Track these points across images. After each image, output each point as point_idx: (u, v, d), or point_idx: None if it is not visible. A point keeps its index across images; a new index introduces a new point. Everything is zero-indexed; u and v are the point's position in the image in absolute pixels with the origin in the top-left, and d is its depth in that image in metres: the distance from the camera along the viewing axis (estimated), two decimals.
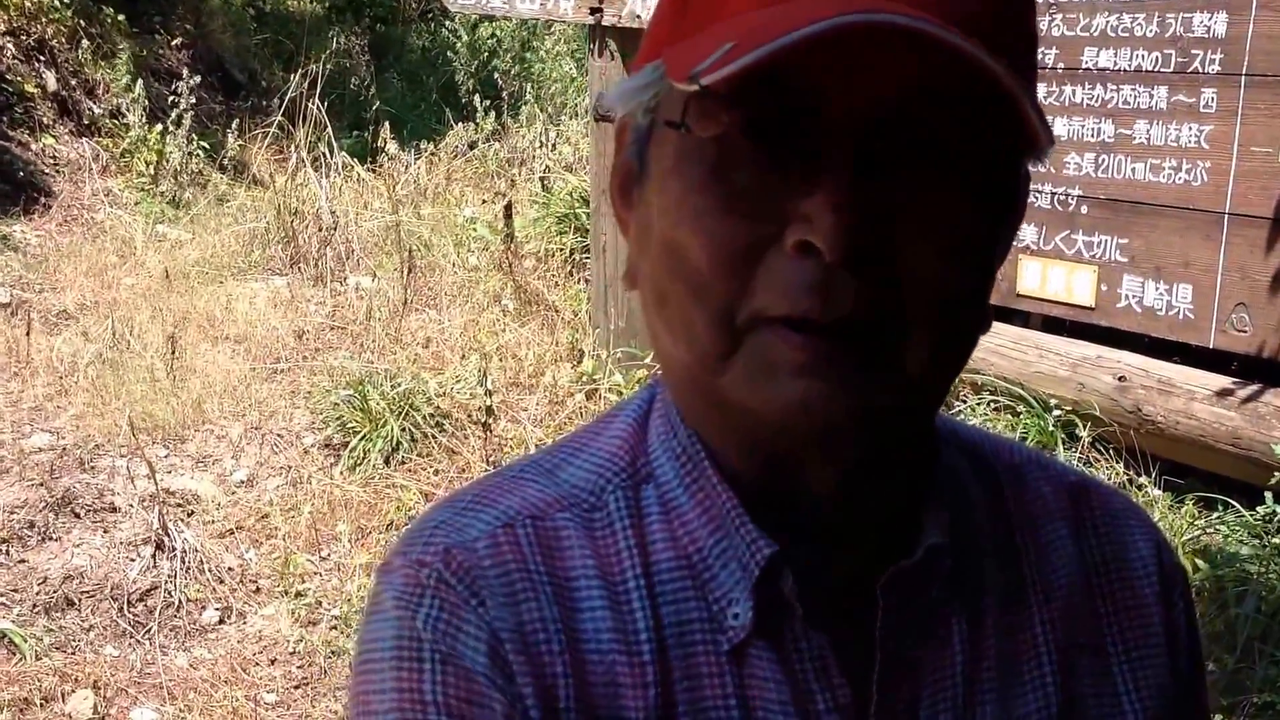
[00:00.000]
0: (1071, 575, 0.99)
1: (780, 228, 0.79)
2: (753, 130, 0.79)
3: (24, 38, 10.11)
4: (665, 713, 0.87)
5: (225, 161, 10.11)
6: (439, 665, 0.86)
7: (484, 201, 8.51)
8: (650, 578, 0.89)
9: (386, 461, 5.58)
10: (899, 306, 0.80)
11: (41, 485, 5.37)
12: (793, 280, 0.78)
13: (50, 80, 10.04)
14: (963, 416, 5.01)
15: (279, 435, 5.89)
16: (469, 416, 5.79)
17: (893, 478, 0.90)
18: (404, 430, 5.66)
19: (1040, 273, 5.15)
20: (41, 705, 4.20)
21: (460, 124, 10.40)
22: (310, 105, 8.99)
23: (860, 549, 0.90)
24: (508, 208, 7.07)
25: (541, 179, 8.52)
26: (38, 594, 4.74)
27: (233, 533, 5.20)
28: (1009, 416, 5.17)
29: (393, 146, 9.31)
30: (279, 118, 9.56)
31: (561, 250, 7.39)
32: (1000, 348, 5.22)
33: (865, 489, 0.88)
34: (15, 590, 4.75)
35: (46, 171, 9.51)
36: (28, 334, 6.57)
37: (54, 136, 9.78)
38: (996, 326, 5.32)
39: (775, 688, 0.88)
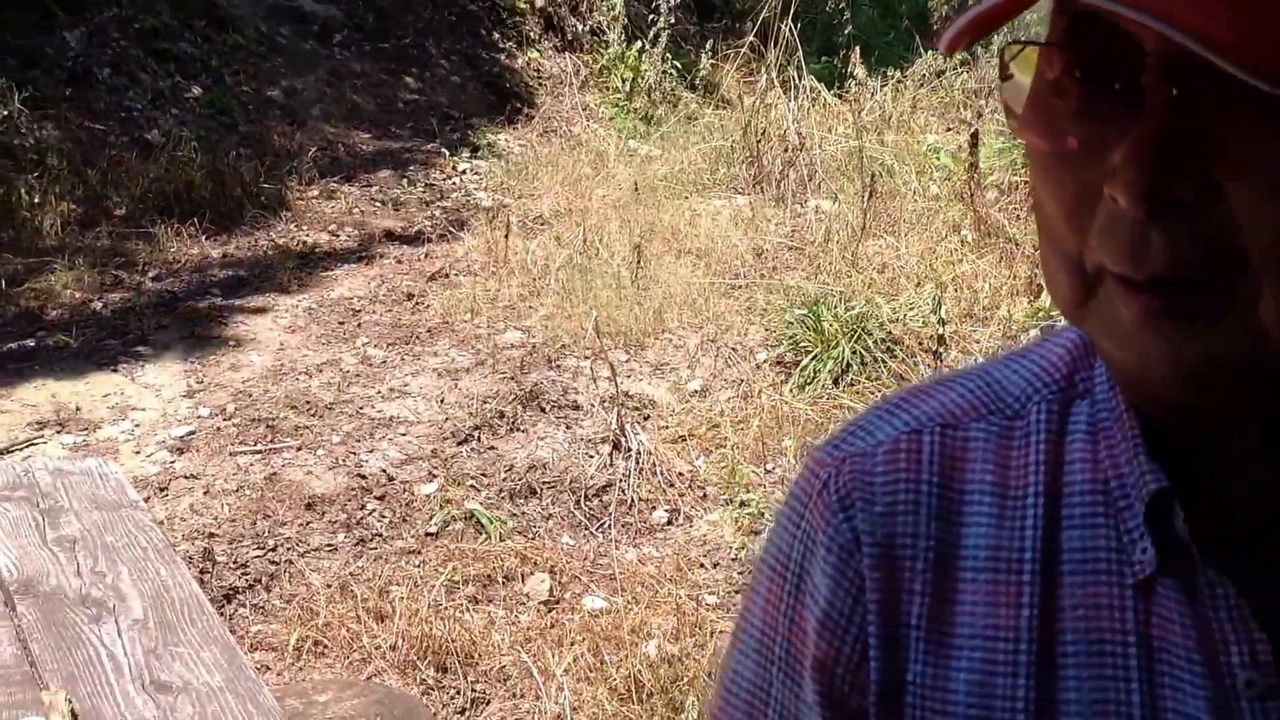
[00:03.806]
0: None
1: (1104, 177, 0.73)
2: (1078, 72, 0.75)
3: None
4: (1044, 635, 0.85)
5: (696, 81, 10.34)
6: (794, 588, 0.91)
7: (949, 130, 8.41)
8: (1057, 498, 0.87)
9: (835, 382, 5.64)
10: (1233, 257, 0.72)
11: (512, 379, 5.71)
12: (1109, 236, 0.74)
13: None
14: None
15: (733, 349, 6.04)
16: (919, 344, 5.78)
17: None
18: (855, 353, 5.70)
19: None
20: (503, 583, 4.49)
21: (929, 52, 10.27)
22: (782, 28, 9.08)
23: None
24: (974, 136, 6.97)
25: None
26: (504, 480, 5.05)
27: (684, 439, 5.38)
28: None
29: (860, 72, 9.30)
30: (751, 39, 9.71)
31: (1026, 183, 7.22)
32: None
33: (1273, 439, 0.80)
34: (484, 475, 5.08)
35: (530, 84, 10.01)
36: (506, 237, 6.96)
37: (539, 51, 10.27)
38: None
39: (1181, 631, 0.83)
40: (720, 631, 4.28)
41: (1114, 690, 0.84)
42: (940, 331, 5.56)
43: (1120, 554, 0.85)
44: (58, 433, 5.46)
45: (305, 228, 7.77)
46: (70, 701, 1.77)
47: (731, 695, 0.96)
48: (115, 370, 6.02)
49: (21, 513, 2.40)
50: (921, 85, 9.88)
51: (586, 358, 5.86)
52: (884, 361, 5.69)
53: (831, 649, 0.89)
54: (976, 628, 0.86)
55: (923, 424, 0.91)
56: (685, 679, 3.98)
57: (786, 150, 8.01)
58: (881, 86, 9.55)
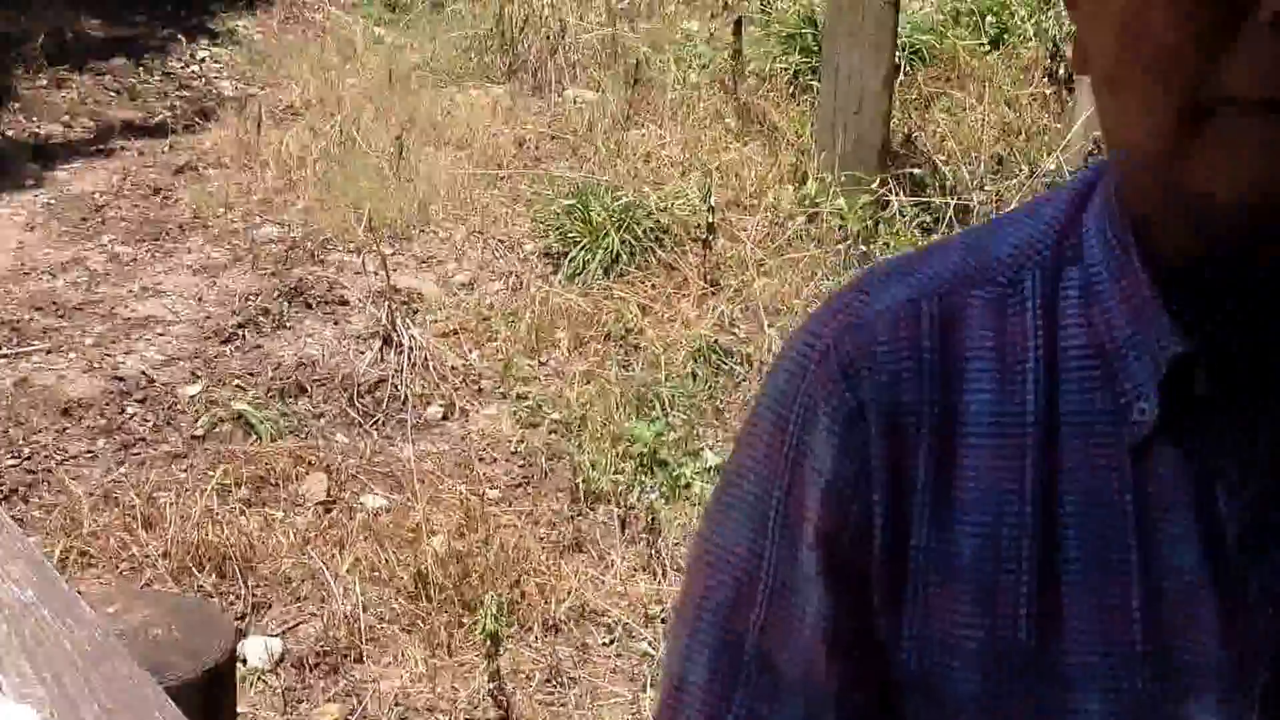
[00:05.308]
0: None
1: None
2: None
3: None
4: (1047, 496, 0.85)
5: None
6: (791, 460, 0.89)
7: (713, 16, 8.36)
8: (1054, 363, 0.86)
9: (606, 273, 5.59)
10: None
11: (274, 275, 5.51)
12: (1268, 59, 0.69)
13: None
14: None
15: (500, 240, 5.94)
16: (688, 233, 5.77)
17: None
18: (624, 243, 5.66)
19: None
20: (278, 485, 4.35)
21: None
22: None
23: None
24: (738, 24, 6.95)
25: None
26: (272, 379, 4.88)
27: (456, 333, 5.28)
28: None
29: None
30: None
31: (786, 70, 7.24)
32: None
33: None
34: (251, 374, 4.90)
35: None
36: (259, 128, 6.69)
37: None
38: None
39: (1179, 490, 0.83)
40: (504, 525, 4.24)
41: (1115, 548, 0.84)
42: (710, 219, 5.56)
43: (1117, 415, 0.85)
44: None
45: (36, 119, 7.33)
46: None
47: (719, 564, 0.94)
48: None
49: None
50: None
51: (352, 251, 5.69)
52: (653, 250, 5.67)
53: (837, 519, 0.87)
54: (981, 490, 0.86)
55: (920, 292, 0.90)
56: (475, 574, 3.93)
57: (548, 38, 7.86)
58: None
